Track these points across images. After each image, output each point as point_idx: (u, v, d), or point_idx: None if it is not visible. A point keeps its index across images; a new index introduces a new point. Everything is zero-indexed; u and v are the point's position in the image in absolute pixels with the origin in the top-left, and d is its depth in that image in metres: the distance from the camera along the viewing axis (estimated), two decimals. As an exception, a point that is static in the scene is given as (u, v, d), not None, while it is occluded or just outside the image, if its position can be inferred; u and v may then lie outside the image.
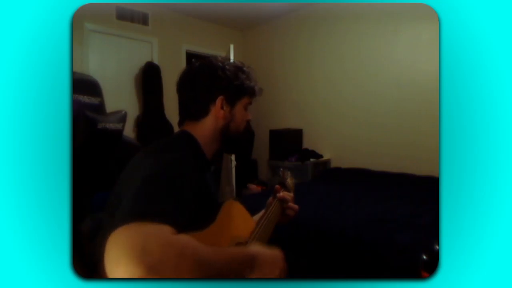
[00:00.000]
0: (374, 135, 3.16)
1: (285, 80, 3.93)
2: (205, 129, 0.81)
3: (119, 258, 0.43)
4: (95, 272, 0.58)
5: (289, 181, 1.13)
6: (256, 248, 0.63)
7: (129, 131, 3.26)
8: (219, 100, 0.80)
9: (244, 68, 0.86)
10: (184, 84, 0.84)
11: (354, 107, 3.31)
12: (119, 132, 2.42)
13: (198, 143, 0.80)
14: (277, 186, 1.05)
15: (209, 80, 0.81)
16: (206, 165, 0.82)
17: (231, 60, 0.88)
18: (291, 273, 0.73)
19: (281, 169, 1.12)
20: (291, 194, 1.04)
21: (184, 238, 0.48)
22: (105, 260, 0.44)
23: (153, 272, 0.41)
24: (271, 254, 0.64)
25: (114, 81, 3.27)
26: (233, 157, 3.42)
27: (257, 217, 1.01)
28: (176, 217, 0.53)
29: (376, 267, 1.53)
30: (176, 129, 0.88)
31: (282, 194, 1.01)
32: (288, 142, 3.65)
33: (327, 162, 3.56)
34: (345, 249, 1.68)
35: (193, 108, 0.82)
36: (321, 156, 3.54)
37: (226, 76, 0.81)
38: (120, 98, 3.25)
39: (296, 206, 1.02)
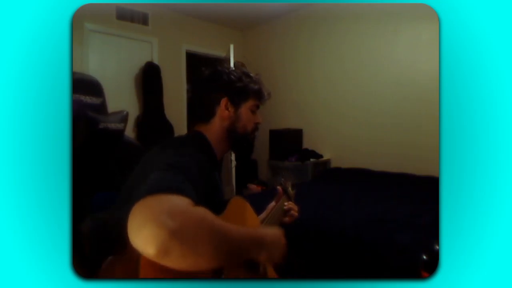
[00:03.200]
0: (374, 135, 3.16)
1: (285, 80, 3.93)
2: (213, 129, 0.87)
3: (145, 222, 0.45)
4: (95, 272, 0.58)
5: (290, 190, 1.16)
6: (263, 230, 0.67)
7: (129, 131, 3.26)
8: (223, 101, 0.86)
9: (251, 74, 0.93)
10: (193, 89, 0.92)
11: (354, 107, 3.31)
12: (121, 132, 2.42)
13: (210, 143, 0.85)
14: (278, 187, 1.12)
15: (214, 83, 0.88)
16: (215, 164, 0.87)
17: (232, 62, 0.92)
18: (291, 273, 0.73)
19: (283, 179, 1.15)
20: (296, 206, 1.11)
21: (203, 210, 0.51)
22: (129, 226, 0.46)
23: (175, 237, 0.44)
24: (275, 234, 0.68)
25: (114, 81, 3.27)
26: (233, 157, 3.43)
27: (259, 218, 1.03)
28: (194, 197, 0.55)
29: (376, 267, 1.53)
30: (176, 129, 0.92)
31: (288, 206, 1.08)
32: (288, 142, 3.65)
33: (327, 162, 3.56)
34: (345, 249, 1.68)
35: (201, 110, 0.88)
36: (321, 156, 3.54)
37: (230, 79, 0.88)
38: (120, 98, 3.25)
39: (296, 214, 1.09)
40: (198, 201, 0.56)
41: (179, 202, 0.50)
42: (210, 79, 0.89)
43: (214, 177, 0.84)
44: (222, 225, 0.53)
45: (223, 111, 0.86)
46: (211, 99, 0.87)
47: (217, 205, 0.76)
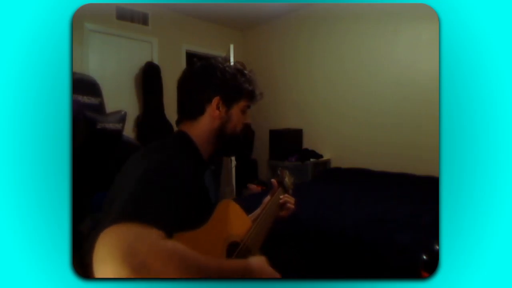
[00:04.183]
0: (374, 135, 3.16)
1: (285, 80, 3.93)
2: (201, 128, 0.81)
3: (106, 257, 0.43)
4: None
5: (287, 180, 1.14)
6: (245, 260, 0.62)
7: (129, 131, 3.26)
8: (214, 100, 0.81)
9: (245, 72, 0.86)
10: (183, 82, 0.85)
11: (354, 107, 3.31)
12: (119, 132, 2.42)
13: (194, 143, 0.80)
14: (273, 180, 1.08)
15: (206, 79, 0.82)
16: (202, 165, 0.82)
17: (232, 62, 0.89)
18: (291, 273, 0.73)
19: (280, 168, 1.13)
20: (292, 199, 1.07)
21: (172, 244, 0.48)
22: (93, 259, 0.44)
23: (138, 274, 0.41)
24: (258, 263, 0.62)
25: (114, 81, 3.27)
26: (233, 157, 3.43)
27: (253, 215, 1.02)
28: (167, 220, 0.52)
29: (376, 267, 1.53)
30: (175, 129, 0.89)
31: (284, 199, 1.05)
32: (288, 142, 3.65)
33: (327, 162, 3.56)
34: (345, 249, 1.68)
35: (189, 106, 0.83)
36: (321, 156, 3.54)
37: (224, 77, 0.82)
38: (120, 98, 3.25)
39: (292, 207, 1.05)
40: (174, 217, 0.54)
41: (145, 234, 0.47)
42: (202, 74, 0.82)
43: (202, 180, 0.79)
44: (195, 259, 0.49)
45: (213, 110, 0.81)
46: (201, 96, 0.81)
47: (204, 208, 0.74)
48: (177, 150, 0.75)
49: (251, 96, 0.87)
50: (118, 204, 0.53)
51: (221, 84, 0.81)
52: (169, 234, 0.51)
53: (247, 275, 0.58)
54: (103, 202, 0.70)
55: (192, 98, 0.82)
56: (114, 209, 0.53)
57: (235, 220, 0.81)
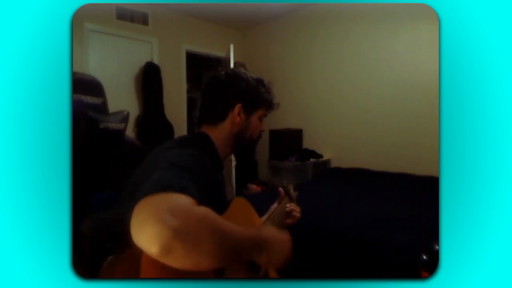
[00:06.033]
0: (374, 135, 3.16)
1: (285, 80, 3.92)
2: (221, 133, 0.87)
3: (148, 220, 0.45)
4: (95, 272, 0.58)
5: (293, 192, 1.16)
6: (268, 231, 0.67)
7: (129, 131, 3.26)
8: (237, 108, 0.87)
9: (265, 82, 0.93)
10: (208, 89, 0.91)
11: (354, 107, 3.31)
12: (121, 132, 2.42)
13: (214, 145, 0.86)
14: (280, 189, 1.13)
15: (231, 88, 0.88)
16: (220, 166, 0.88)
17: (232, 62, 0.92)
18: (291, 273, 0.73)
19: (285, 181, 1.17)
20: (298, 208, 1.12)
21: (205, 209, 0.52)
22: (132, 224, 0.46)
23: (178, 235, 0.44)
24: (280, 238, 0.68)
25: (114, 81, 3.27)
26: (233, 157, 3.43)
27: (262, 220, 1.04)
28: (196, 196, 0.55)
29: (376, 267, 1.53)
30: (176, 129, 0.91)
31: (290, 207, 1.09)
32: (288, 142, 3.65)
33: (327, 162, 3.56)
34: (345, 249, 1.68)
35: (212, 111, 0.89)
36: (321, 156, 3.54)
37: (247, 87, 0.88)
38: (120, 98, 3.25)
39: (298, 215, 1.10)
40: (200, 201, 0.56)
41: (182, 201, 0.51)
42: (227, 83, 0.89)
43: (217, 178, 0.84)
44: (224, 224, 0.53)
45: (235, 117, 0.87)
46: (225, 103, 0.87)
47: (220, 205, 0.76)
48: (201, 147, 0.79)
49: (269, 105, 0.94)
50: (153, 179, 0.56)
51: (244, 93, 0.88)
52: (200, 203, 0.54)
53: (262, 243, 0.63)
54: (121, 195, 0.73)
55: (216, 104, 0.88)
56: (149, 182, 0.55)
57: (248, 218, 0.86)
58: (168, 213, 0.46)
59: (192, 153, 0.71)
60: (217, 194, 0.82)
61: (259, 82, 0.91)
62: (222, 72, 0.91)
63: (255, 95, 0.89)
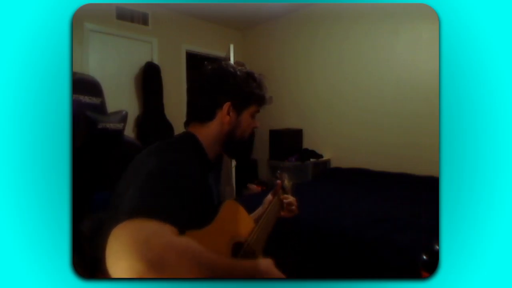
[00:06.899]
0: (374, 135, 3.16)
1: (285, 80, 3.92)
2: (209, 132, 0.81)
3: (121, 252, 0.43)
4: (95, 272, 0.58)
5: (287, 183, 1.14)
6: (253, 261, 0.62)
7: (129, 131, 3.26)
8: (225, 106, 0.80)
9: (256, 76, 0.86)
10: (194, 86, 0.85)
11: (354, 107, 3.31)
12: (120, 132, 2.42)
13: (202, 145, 0.80)
14: (278, 181, 1.08)
15: (218, 85, 0.81)
16: (208, 166, 0.82)
17: (231, 62, 0.88)
18: (291, 273, 0.73)
19: (279, 171, 1.13)
20: (294, 199, 1.09)
21: (186, 240, 0.48)
22: (107, 254, 0.44)
23: (154, 269, 0.41)
24: (266, 265, 0.62)
25: (114, 81, 3.27)
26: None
27: (254, 214, 1.02)
28: (179, 216, 0.53)
29: (376, 267, 1.53)
30: (176, 129, 0.89)
31: (288, 200, 1.06)
32: (288, 142, 3.65)
33: (327, 162, 3.56)
34: (345, 249, 1.68)
35: (200, 110, 0.82)
36: (321, 156, 3.54)
37: (236, 83, 0.81)
38: (120, 98, 3.25)
39: (296, 210, 1.07)
40: (184, 208, 0.54)
41: (160, 230, 0.47)
42: (213, 79, 0.82)
43: (206, 180, 0.79)
44: (208, 257, 0.49)
45: (224, 116, 0.80)
46: (212, 101, 0.81)
47: (209, 208, 0.74)
48: (186, 150, 0.74)
49: (261, 101, 0.87)
50: (130, 200, 0.53)
51: (232, 90, 0.81)
52: (182, 231, 0.51)
53: (256, 275, 0.58)
54: (108, 202, 0.70)
55: (203, 103, 0.82)
56: (126, 204, 0.53)
57: (239, 220, 0.82)
58: (144, 245, 0.43)
59: (179, 157, 0.67)
60: (207, 198, 0.77)
61: (249, 76, 0.84)
62: (209, 67, 0.84)
63: (245, 91, 0.82)
